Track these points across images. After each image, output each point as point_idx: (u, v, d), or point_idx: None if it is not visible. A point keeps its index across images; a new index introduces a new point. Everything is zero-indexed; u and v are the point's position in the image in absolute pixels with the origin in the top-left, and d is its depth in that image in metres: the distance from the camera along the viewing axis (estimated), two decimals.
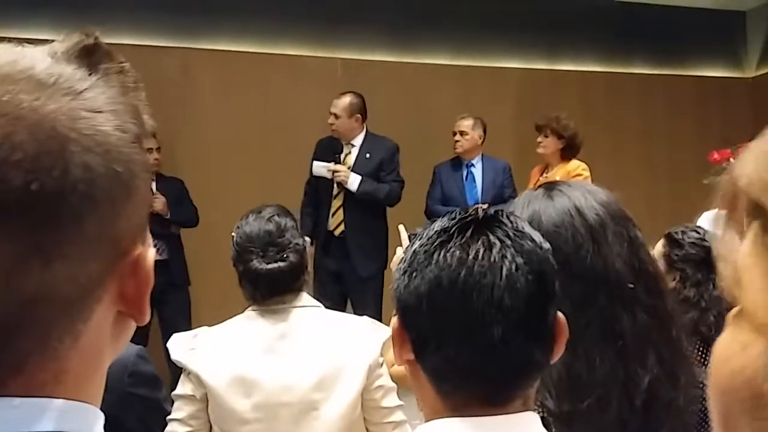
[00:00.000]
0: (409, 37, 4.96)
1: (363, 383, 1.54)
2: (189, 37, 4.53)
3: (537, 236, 0.70)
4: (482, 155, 4.11)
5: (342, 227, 3.73)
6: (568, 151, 3.90)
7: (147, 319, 0.45)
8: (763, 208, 0.35)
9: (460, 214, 0.70)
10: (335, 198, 3.73)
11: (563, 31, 5.28)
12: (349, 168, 3.71)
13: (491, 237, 0.68)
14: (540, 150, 3.93)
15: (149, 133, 0.44)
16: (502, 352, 0.66)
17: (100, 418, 0.44)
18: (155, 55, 4.41)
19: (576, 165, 3.90)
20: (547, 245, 0.70)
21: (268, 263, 1.52)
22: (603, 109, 5.24)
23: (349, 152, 3.78)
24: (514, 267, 0.66)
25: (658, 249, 2.24)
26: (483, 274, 0.66)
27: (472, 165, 4.07)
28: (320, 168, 3.68)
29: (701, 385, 0.85)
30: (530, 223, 0.88)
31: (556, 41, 5.29)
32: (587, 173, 3.89)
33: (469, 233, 0.68)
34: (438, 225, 0.70)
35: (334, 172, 3.64)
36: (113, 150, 0.40)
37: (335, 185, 3.70)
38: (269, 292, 1.55)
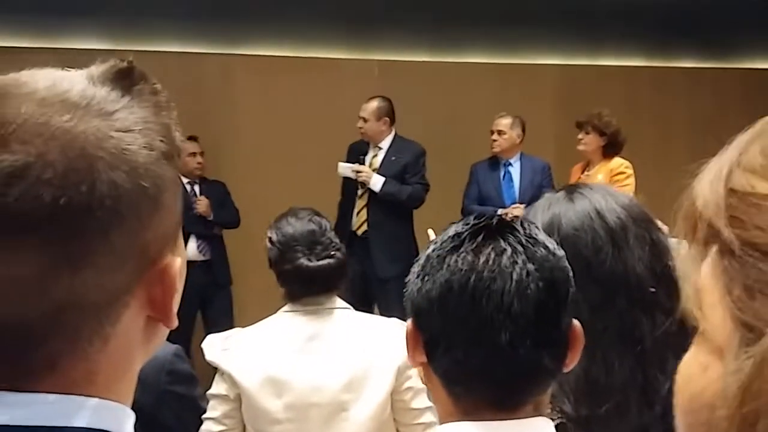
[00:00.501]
0: (445, 37, 4.95)
1: (392, 385, 1.55)
2: (229, 44, 4.63)
3: (551, 243, 0.70)
4: (521, 154, 4.05)
5: (365, 227, 3.82)
6: (610, 149, 3.83)
7: (175, 323, 0.48)
8: (717, 230, 0.34)
9: (474, 219, 0.71)
10: (359, 198, 3.84)
11: (604, 25, 5.16)
12: (375, 170, 3.81)
13: (503, 243, 0.68)
14: (581, 147, 3.86)
15: (180, 150, 0.47)
16: (510, 357, 0.66)
17: (131, 417, 0.46)
18: (197, 61, 4.52)
19: (619, 163, 3.82)
20: (561, 252, 0.70)
21: (318, 260, 1.55)
22: (648, 104, 5.11)
23: (376, 155, 3.89)
24: (524, 273, 0.67)
25: None
26: (493, 279, 0.67)
27: (510, 164, 4.03)
28: (345, 168, 3.80)
29: None
30: (550, 226, 0.88)
31: (598, 36, 5.19)
32: (630, 171, 3.81)
33: (480, 238, 0.69)
34: (452, 230, 0.71)
35: (357, 172, 3.75)
36: (140, 167, 0.43)
37: (359, 185, 3.81)
38: (320, 288, 1.57)
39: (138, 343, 0.46)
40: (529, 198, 3.88)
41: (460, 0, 4.96)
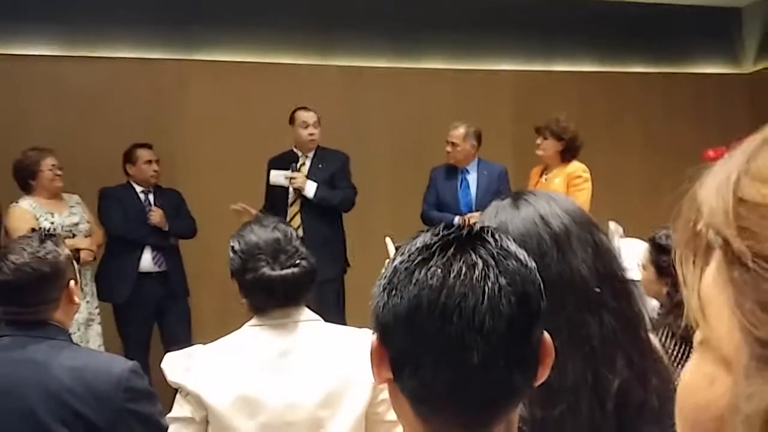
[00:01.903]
0: (404, 43, 4.98)
1: (369, 398, 1.50)
2: (185, 49, 4.57)
3: (522, 254, 0.68)
4: (479, 160, 4.09)
5: (300, 232, 3.87)
6: (568, 153, 3.89)
7: None
8: (726, 241, 0.33)
9: (443, 230, 0.69)
10: (291, 206, 3.91)
11: (558, 31, 5.28)
12: (305, 177, 3.91)
13: (473, 256, 0.65)
14: (539, 152, 3.92)
15: None
16: (481, 378, 0.64)
17: None
18: (152, 67, 4.44)
19: (575, 167, 3.89)
20: (532, 264, 0.68)
21: (281, 269, 1.49)
22: (601, 109, 5.23)
23: (304, 163, 3.99)
24: (496, 288, 0.64)
25: (645, 256, 2.22)
26: (464, 295, 0.64)
27: (467, 172, 4.07)
28: (278, 177, 3.87)
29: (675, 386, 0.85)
30: None
31: (551, 42, 5.30)
32: (587, 175, 3.88)
33: (451, 251, 0.66)
34: (420, 241, 0.68)
35: (291, 179, 3.84)
36: None
37: (290, 193, 3.89)
38: (283, 300, 1.51)
39: None
40: (486, 205, 3.92)
41: (419, 7, 5.00)
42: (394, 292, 0.67)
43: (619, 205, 4.24)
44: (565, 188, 3.82)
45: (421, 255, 0.66)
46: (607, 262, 0.90)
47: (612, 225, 3.45)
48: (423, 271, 0.65)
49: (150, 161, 3.89)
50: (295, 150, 4.01)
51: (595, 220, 0.94)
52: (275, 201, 3.90)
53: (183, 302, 3.92)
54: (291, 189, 3.88)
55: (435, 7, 5.01)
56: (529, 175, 4.05)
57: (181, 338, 3.29)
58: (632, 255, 2.25)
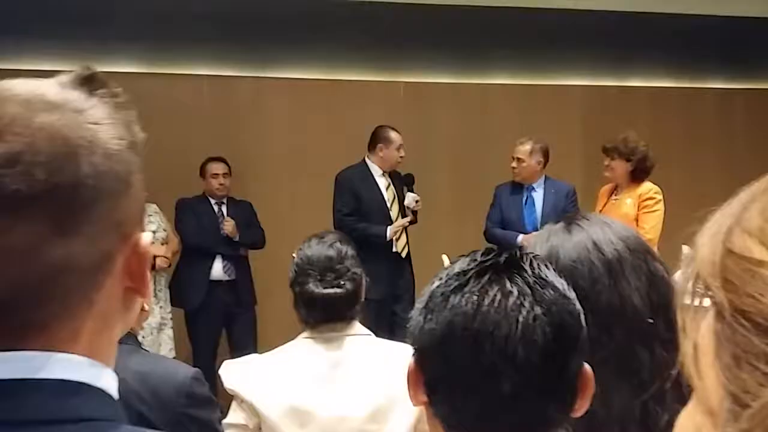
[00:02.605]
0: (470, 58, 4.98)
1: (417, 415, 1.51)
2: (259, 67, 4.74)
3: (561, 283, 0.67)
4: (546, 178, 4.02)
5: (407, 249, 4.01)
6: (638, 174, 3.78)
7: (149, 293, 0.54)
8: (710, 292, 0.33)
9: (481, 255, 0.69)
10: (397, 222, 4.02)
11: (631, 45, 5.13)
12: (394, 198, 4.04)
13: (509, 284, 0.65)
14: (607, 173, 3.82)
15: (140, 142, 0.53)
16: (513, 408, 0.64)
17: (110, 375, 0.52)
18: (228, 84, 4.64)
19: (648, 188, 3.76)
20: (571, 294, 0.67)
21: (324, 288, 1.54)
22: (677, 127, 5.05)
23: (389, 184, 4.07)
24: (531, 318, 0.64)
25: None
26: (497, 323, 0.64)
27: (533, 189, 4.01)
28: (412, 199, 4.01)
29: None
30: (549, 258, 0.87)
31: (624, 56, 5.16)
32: (659, 197, 3.75)
33: (486, 278, 0.66)
34: (457, 266, 0.69)
35: (417, 201, 4.00)
36: (113, 153, 0.50)
37: (393, 212, 3.98)
38: (323, 317, 1.56)
39: (117, 311, 0.52)
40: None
41: (486, 22, 4.98)
42: (429, 316, 0.67)
43: (696, 228, 4.07)
44: (636, 209, 3.71)
45: (458, 280, 0.67)
46: (661, 291, 0.87)
47: (686, 249, 3.31)
48: (457, 297, 0.66)
49: (216, 175, 4.05)
50: (369, 164, 4.04)
51: (652, 247, 0.91)
52: (371, 216, 3.96)
53: (250, 311, 4.05)
54: (392, 207, 3.98)
55: (501, 22, 4.97)
56: (598, 193, 3.96)
57: (247, 346, 3.40)
58: None
